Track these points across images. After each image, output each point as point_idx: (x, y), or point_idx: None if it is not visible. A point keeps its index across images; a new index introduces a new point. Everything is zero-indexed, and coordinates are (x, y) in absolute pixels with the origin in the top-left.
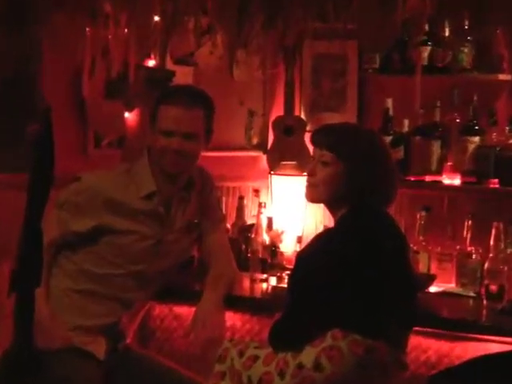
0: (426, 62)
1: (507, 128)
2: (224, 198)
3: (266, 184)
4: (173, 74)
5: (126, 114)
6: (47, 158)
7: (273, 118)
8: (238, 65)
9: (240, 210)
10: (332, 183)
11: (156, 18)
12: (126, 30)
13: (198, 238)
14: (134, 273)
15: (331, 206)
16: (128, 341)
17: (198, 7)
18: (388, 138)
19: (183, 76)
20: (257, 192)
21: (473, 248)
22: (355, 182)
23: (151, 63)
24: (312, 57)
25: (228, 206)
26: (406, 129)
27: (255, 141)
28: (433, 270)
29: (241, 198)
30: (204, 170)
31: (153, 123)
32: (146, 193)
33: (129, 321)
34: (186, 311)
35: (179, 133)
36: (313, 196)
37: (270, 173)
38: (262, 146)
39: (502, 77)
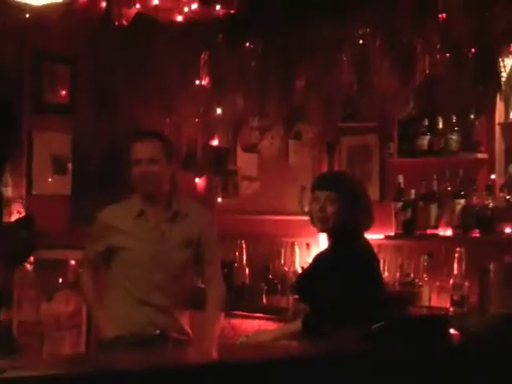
0: (426, 148)
1: (484, 193)
2: (283, 250)
3: (317, 240)
4: (227, 150)
5: (197, 180)
6: None
7: None
8: (292, 153)
9: None
10: (339, 216)
11: (218, 111)
12: (196, 120)
13: (199, 264)
14: (148, 280)
15: (333, 234)
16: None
17: (262, 110)
18: (400, 204)
19: (250, 161)
20: (308, 245)
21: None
22: (353, 213)
23: (215, 143)
24: (346, 148)
25: (286, 255)
26: (412, 196)
27: (306, 209)
28: (433, 300)
29: None
30: (197, 206)
31: (129, 160)
32: (136, 213)
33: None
34: (239, 323)
35: (144, 159)
36: (325, 227)
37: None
38: None
39: (480, 156)
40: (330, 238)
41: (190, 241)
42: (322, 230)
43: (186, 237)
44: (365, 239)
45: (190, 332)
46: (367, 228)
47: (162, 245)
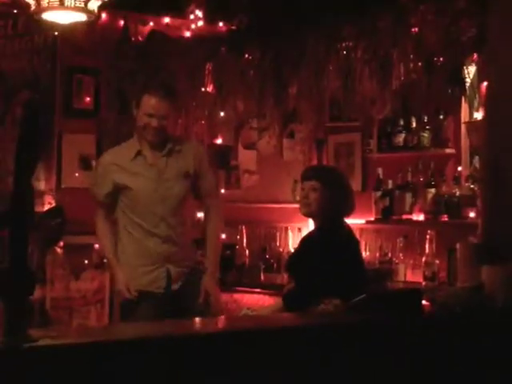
0: (401, 144)
1: (452, 183)
2: (278, 233)
3: (307, 224)
4: (230, 148)
5: None
6: (32, 137)
7: None
8: (286, 150)
9: None
10: (319, 202)
11: (222, 114)
12: (202, 122)
13: (197, 193)
14: (152, 213)
15: (316, 218)
16: None
17: (260, 112)
18: (379, 193)
19: (250, 157)
20: (300, 229)
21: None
22: (334, 201)
23: (219, 141)
24: (333, 145)
25: (281, 238)
26: (390, 186)
27: (298, 198)
28: (408, 275)
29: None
30: (190, 142)
31: (138, 107)
32: (134, 154)
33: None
34: (240, 297)
35: (158, 115)
36: (307, 211)
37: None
38: None
39: (448, 151)
40: (314, 221)
41: (186, 173)
42: (306, 214)
43: (182, 169)
44: (346, 224)
45: (199, 259)
46: (348, 214)
47: (160, 179)
